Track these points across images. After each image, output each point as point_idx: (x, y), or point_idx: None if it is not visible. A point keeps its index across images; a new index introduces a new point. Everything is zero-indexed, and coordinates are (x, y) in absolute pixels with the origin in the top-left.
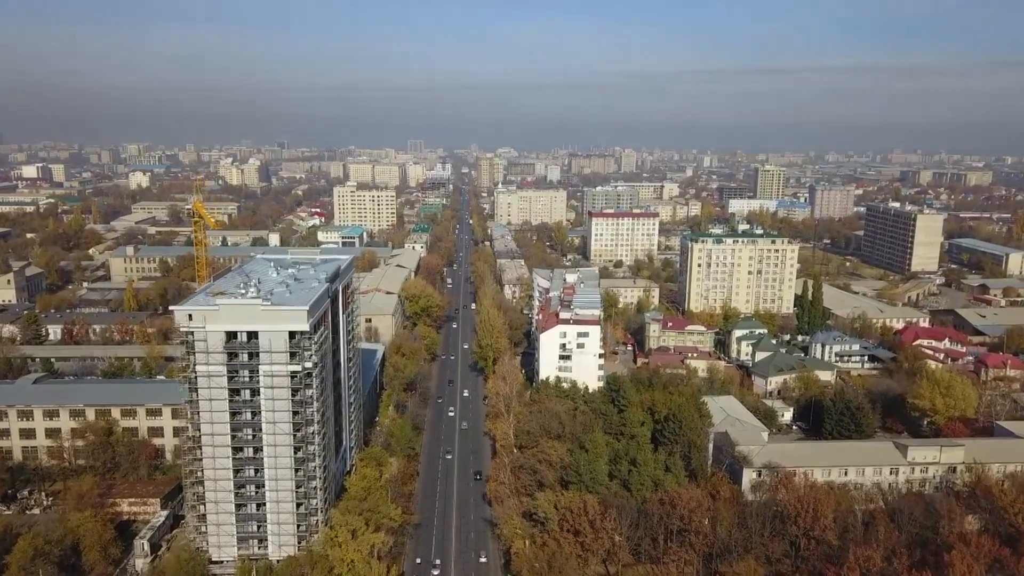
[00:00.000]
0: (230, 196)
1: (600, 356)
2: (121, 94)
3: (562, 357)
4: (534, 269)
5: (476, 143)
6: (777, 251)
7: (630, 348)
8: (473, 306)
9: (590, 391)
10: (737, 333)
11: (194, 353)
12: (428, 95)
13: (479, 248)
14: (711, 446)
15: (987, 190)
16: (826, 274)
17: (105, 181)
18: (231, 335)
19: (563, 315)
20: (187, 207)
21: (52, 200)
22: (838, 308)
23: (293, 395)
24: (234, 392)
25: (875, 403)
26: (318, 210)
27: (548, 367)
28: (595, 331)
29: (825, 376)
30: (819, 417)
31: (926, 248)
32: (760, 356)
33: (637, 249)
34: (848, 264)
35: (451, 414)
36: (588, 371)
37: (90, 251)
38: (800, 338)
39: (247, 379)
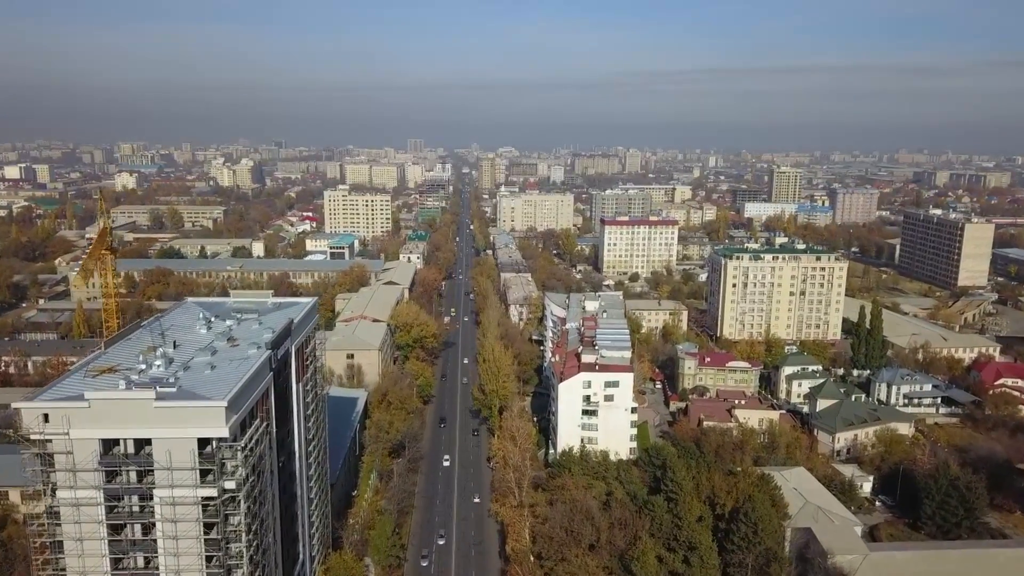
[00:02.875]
0: (218, 199)
1: (633, 411)
2: (119, 93)
3: (586, 412)
4: (546, 294)
5: (477, 142)
6: (823, 269)
7: (659, 386)
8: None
9: (622, 458)
10: (787, 370)
11: (53, 471)
12: (428, 94)
13: (481, 258)
14: (787, 544)
15: (1008, 192)
16: (865, 289)
17: (93, 182)
18: (110, 444)
19: (586, 358)
20: (89, 226)
21: (28, 203)
22: (893, 335)
23: (207, 531)
24: (116, 529)
25: (977, 471)
26: (309, 214)
27: (569, 425)
28: (627, 380)
29: (902, 429)
30: (909, 490)
31: (974, 261)
32: (823, 404)
33: (654, 260)
34: (885, 277)
35: (446, 463)
36: (618, 431)
37: (56, 261)
38: (856, 373)
39: (136, 509)
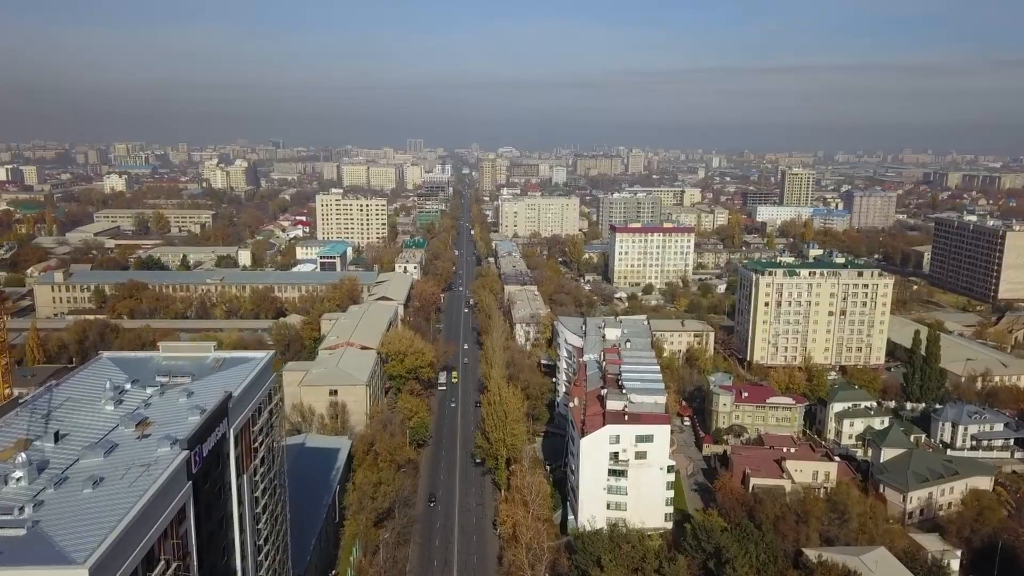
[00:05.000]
0: (209, 201)
1: (669, 470)
2: (116, 93)
3: (613, 472)
4: (559, 317)
5: (477, 142)
6: (865, 286)
7: (687, 423)
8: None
9: (660, 532)
10: (836, 407)
11: None
12: (428, 94)
13: (482, 267)
14: None
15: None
16: (899, 303)
17: (83, 184)
18: None
19: (612, 405)
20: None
21: (8, 207)
22: (945, 360)
23: None
24: None
25: None
26: (303, 218)
27: (592, 488)
28: (662, 432)
29: (982, 484)
30: (1009, 570)
31: (1016, 271)
32: (888, 454)
33: (669, 271)
34: (917, 289)
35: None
36: (652, 494)
37: (27, 272)
38: (909, 406)
39: None
